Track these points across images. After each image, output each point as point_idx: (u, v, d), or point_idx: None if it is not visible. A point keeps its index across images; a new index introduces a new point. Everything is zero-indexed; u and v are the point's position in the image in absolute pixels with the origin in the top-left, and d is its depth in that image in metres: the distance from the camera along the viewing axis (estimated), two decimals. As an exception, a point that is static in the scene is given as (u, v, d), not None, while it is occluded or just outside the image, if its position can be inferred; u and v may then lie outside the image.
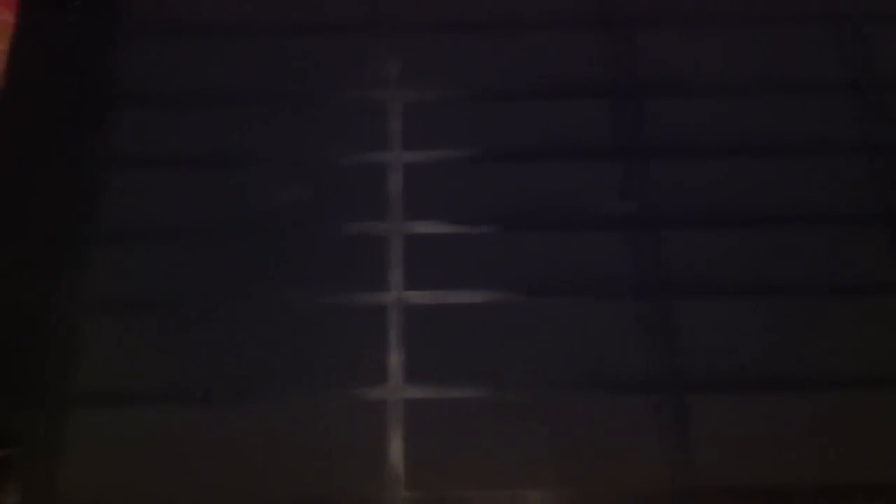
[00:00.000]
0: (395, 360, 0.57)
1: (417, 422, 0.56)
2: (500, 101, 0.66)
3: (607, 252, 0.61)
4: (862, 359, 0.57)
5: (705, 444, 0.55)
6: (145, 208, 0.62)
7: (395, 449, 0.55)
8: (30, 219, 0.62)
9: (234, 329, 0.58)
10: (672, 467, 0.54)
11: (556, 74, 0.67)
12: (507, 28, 0.69)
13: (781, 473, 0.54)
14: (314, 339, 0.58)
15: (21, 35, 0.67)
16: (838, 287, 0.60)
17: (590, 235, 0.61)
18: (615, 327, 0.58)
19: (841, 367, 0.57)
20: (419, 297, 0.59)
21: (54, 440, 0.55)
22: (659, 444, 0.55)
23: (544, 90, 0.66)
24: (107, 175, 0.63)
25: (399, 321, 0.58)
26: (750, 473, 0.54)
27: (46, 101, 0.65)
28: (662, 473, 0.54)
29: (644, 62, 0.67)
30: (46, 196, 0.62)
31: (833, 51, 0.68)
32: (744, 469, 0.54)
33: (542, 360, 0.58)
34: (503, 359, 0.58)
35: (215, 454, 0.55)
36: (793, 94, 0.66)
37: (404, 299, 0.59)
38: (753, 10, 0.69)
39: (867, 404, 0.56)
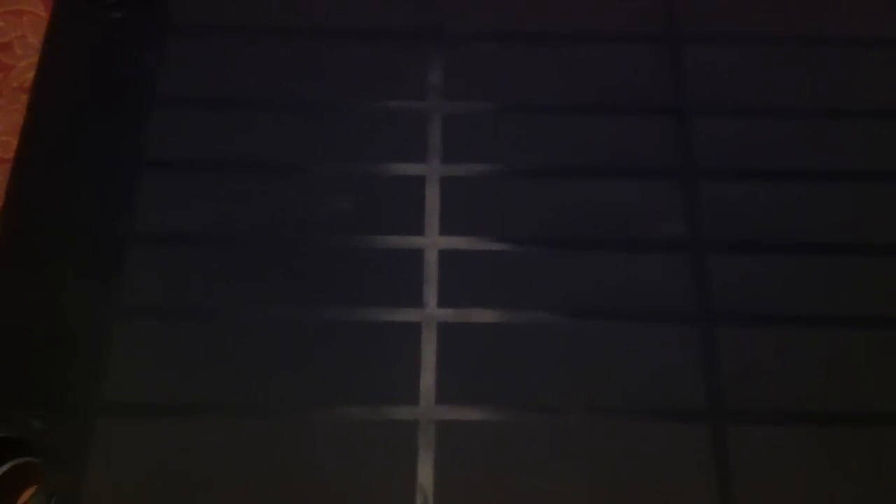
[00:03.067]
0: (427, 379, 0.56)
1: (449, 444, 0.55)
2: (546, 115, 0.64)
3: (653, 275, 0.59)
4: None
5: (745, 476, 0.54)
6: (181, 214, 0.61)
7: (426, 471, 0.54)
8: (64, 221, 0.61)
9: (264, 343, 0.57)
10: (712, 499, 0.53)
11: (606, 90, 0.65)
12: (559, 41, 0.66)
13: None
14: (346, 355, 0.57)
15: (58, 30, 0.66)
16: (890, 319, 0.58)
17: (636, 257, 0.60)
18: (658, 353, 0.57)
19: (889, 400, 0.56)
20: (454, 315, 0.58)
21: (80, 449, 0.54)
22: (701, 473, 0.54)
23: (592, 106, 0.64)
24: (143, 178, 0.62)
25: (432, 339, 0.57)
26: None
27: (83, 100, 0.64)
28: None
29: (699, 81, 0.65)
30: (81, 199, 0.61)
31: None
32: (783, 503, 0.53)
33: (578, 384, 0.56)
34: (538, 381, 0.56)
35: (242, 469, 0.54)
36: (853, 119, 0.64)
37: (439, 317, 0.58)
38: (818, 32, 0.67)
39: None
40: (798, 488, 0.54)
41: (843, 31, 0.67)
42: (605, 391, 0.56)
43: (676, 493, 0.54)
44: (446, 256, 0.59)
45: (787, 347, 0.57)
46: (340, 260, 0.60)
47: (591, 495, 0.54)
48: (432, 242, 0.60)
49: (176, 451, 0.55)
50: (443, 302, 0.58)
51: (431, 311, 0.58)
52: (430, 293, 0.58)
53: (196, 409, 0.56)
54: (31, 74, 0.65)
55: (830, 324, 0.58)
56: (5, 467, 0.54)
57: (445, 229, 0.60)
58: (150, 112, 0.64)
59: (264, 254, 0.60)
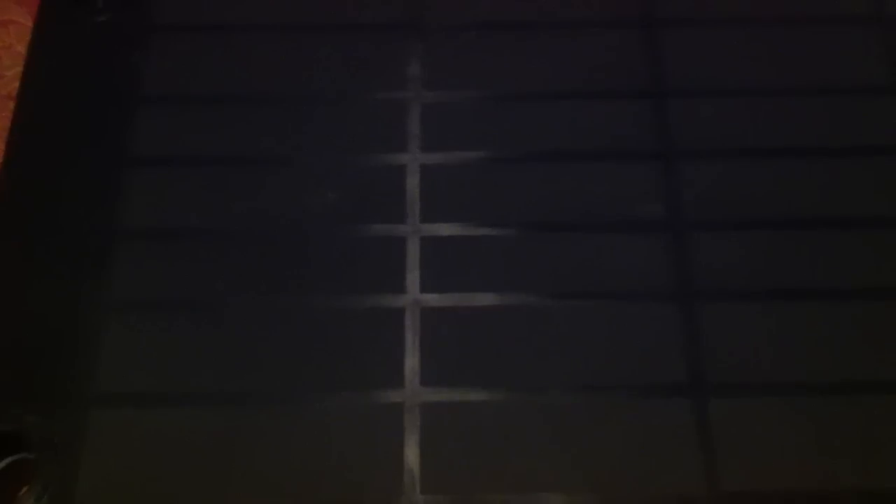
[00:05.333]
0: (411, 363, 0.57)
1: (434, 425, 0.56)
2: (524, 102, 0.65)
3: (633, 255, 0.60)
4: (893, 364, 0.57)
5: (728, 448, 0.54)
6: (168, 209, 0.62)
7: (412, 452, 0.55)
8: (54, 219, 0.62)
9: (252, 332, 0.58)
10: (696, 473, 0.54)
11: (584, 76, 0.66)
12: (535, 29, 0.67)
13: (807, 479, 0.54)
14: (332, 342, 0.58)
15: (44, 34, 0.67)
16: (871, 291, 0.59)
17: (615, 238, 0.61)
18: (640, 331, 0.58)
19: (871, 372, 0.57)
20: (436, 300, 0.59)
21: (76, 443, 0.55)
22: (682, 449, 0.55)
23: (569, 91, 0.65)
24: (131, 175, 0.63)
25: (416, 324, 0.58)
26: (773, 479, 0.54)
27: (70, 101, 0.65)
28: (686, 479, 0.54)
29: (675, 64, 0.66)
30: (70, 197, 0.62)
31: (874, 52, 0.66)
32: (767, 475, 0.54)
33: (561, 364, 0.57)
34: (521, 362, 0.57)
35: (233, 457, 0.55)
36: (829, 97, 0.65)
37: (422, 302, 0.59)
38: (793, 12, 0.68)
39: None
40: (781, 459, 0.54)
41: (817, 11, 0.68)
42: (587, 370, 0.57)
43: (661, 466, 0.54)
44: (427, 243, 0.60)
45: (768, 322, 0.58)
46: (325, 250, 0.61)
47: (576, 472, 0.54)
48: (414, 230, 0.61)
49: (169, 441, 0.55)
50: (425, 287, 0.59)
51: (414, 297, 0.59)
52: (413, 279, 0.59)
53: (187, 399, 0.56)
54: (18, 83, 0.66)
55: (811, 298, 0.59)
56: (2, 465, 0.55)
57: (426, 217, 0.61)
58: (136, 111, 0.64)
59: (250, 245, 0.61)
